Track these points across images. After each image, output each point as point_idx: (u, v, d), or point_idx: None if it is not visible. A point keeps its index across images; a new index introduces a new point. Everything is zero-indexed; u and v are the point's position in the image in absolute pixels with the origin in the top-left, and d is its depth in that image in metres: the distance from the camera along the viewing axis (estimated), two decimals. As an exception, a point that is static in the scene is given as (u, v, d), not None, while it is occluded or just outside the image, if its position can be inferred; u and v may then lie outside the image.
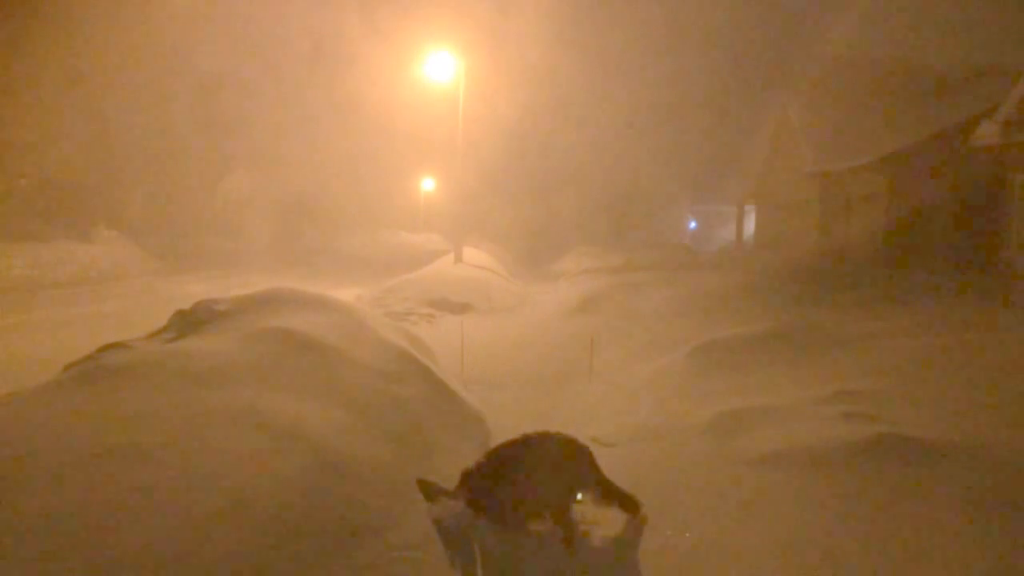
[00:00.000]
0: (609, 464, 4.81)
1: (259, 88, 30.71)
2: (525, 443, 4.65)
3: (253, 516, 3.41)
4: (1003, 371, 6.74)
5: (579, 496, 4.61)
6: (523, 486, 4.42)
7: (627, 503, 4.65)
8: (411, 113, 29.93)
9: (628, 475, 4.88)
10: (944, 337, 8.29)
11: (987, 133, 13.89)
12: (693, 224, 46.98)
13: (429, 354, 7.60)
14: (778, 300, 12.66)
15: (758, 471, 4.79)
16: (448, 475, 5.16)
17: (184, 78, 28.40)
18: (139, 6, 26.84)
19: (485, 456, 4.65)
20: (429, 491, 4.71)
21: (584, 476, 4.65)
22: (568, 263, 23.11)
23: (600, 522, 4.59)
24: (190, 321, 6.23)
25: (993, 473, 4.17)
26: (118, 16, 25.75)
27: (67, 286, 18.78)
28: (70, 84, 25.25)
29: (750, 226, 31.20)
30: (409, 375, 6.33)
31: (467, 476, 4.48)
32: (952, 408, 5.76)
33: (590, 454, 4.71)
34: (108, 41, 25.72)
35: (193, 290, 10.11)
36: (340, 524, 3.73)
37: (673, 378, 7.99)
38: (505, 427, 6.79)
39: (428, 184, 40.18)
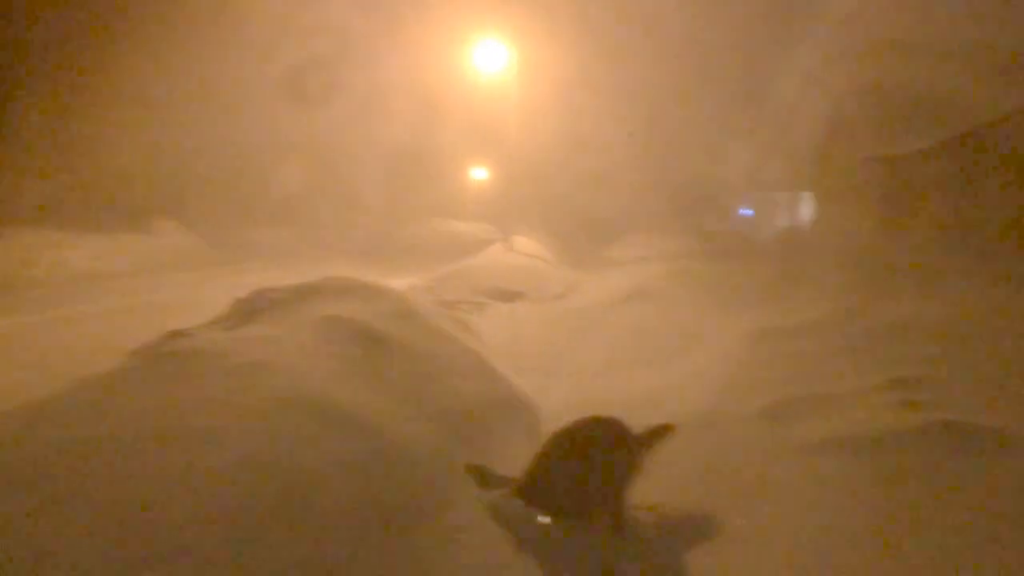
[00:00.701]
0: (664, 450, 4.80)
1: (310, 75, 31.03)
2: (577, 430, 4.66)
3: (310, 501, 3.49)
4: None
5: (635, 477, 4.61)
6: (581, 477, 4.43)
7: (659, 433, 4.65)
8: (463, 101, 30.01)
9: (679, 462, 4.88)
10: (1006, 323, 8.08)
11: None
12: (748, 211, 46.27)
13: (480, 342, 7.66)
14: (835, 287, 12.44)
15: (812, 458, 4.75)
16: (499, 460, 5.22)
17: (237, 65, 28.81)
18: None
19: (542, 452, 4.64)
20: (480, 476, 4.77)
21: (633, 456, 4.65)
22: (620, 250, 22.98)
23: (654, 506, 4.60)
24: (248, 309, 6.38)
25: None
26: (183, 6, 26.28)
27: (128, 276, 19.28)
28: (125, 76, 25.79)
29: (806, 213, 30.66)
30: (462, 363, 6.40)
31: (530, 476, 4.49)
32: (1008, 397, 5.62)
33: (631, 432, 4.70)
34: (164, 30, 26.23)
35: (250, 280, 10.38)
36: (394, 508, 3.79)
37: (727, 366, 7.93)
38: (557, 414, 6.82)
39: (480, 172, 40.23)
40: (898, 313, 9.26)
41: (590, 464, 4.44)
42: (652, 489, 4.72)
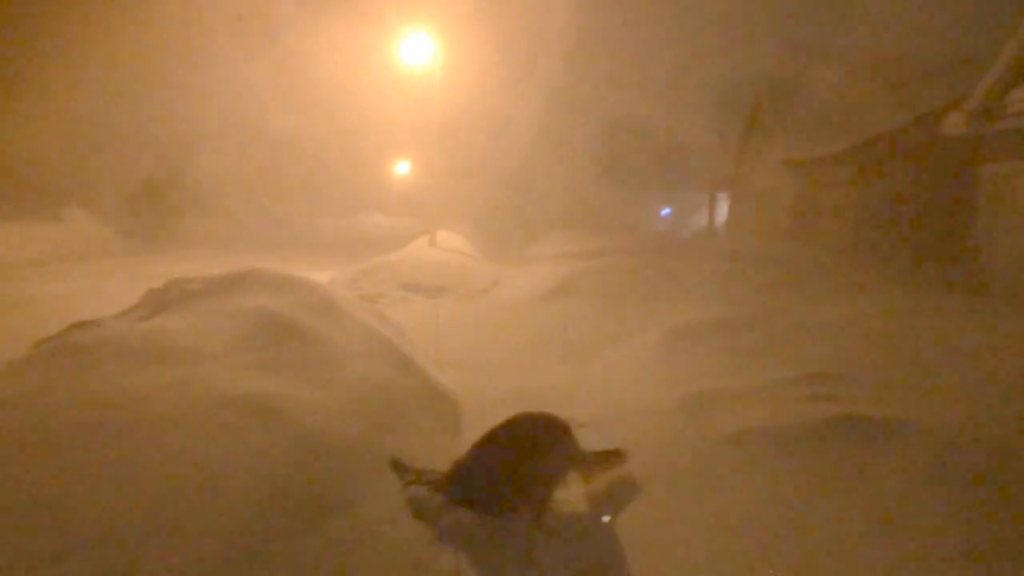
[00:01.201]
0: (584, 443, 4.89)
1: (232, 64, 30.32)
2: (510, 427, 4.67)
3: (226, 492, 3.43)
4: (966, 355, 6.91)
5: (566, 475, 4.67)
6: (512, 473, 4.44)
7: (612, 458, 4.74)
8: (387, 95, 29.79)
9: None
10: (909, 322, 8.46)
11: (956, 123, 14.08)
12: (667, 211, 47.20)
13: (403, 336, 7.62)
14: (748, 286, 12.81)
15: (726, 449, 4.89)
16: (420, 454, 5.21)
17: (155, 53, 27.98)
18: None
19: (475, 449, 4.63)
20: (402, 470, 4.75)
21: (570, 453, 4.70)
22: (543, 247, 23.12)
23: (569, 500, 4.66)
24: (162, 300, 6.20)
25: (957, 450, 4.28)
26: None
27: (36, 265, 18.53)
28: (36, 62, 24.82)
29: (723, 213, 31.44)
30: (382, 356, 6.36)
31: (456, 472, 4.46)
32: (916, 390, 5.91)
33: (569, 430, 4.76)
34: (76, 17, 25.29)
35: (165, 270, 10.07)
36: (313, 499, 3.76)
37: (645, 360, 8.08)
38: (478, 409, 6.84)
39: (403, 167, 39.96)
40: (807, 311, 9.59)
41: (518, 462, 4.46)
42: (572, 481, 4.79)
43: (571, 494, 4.70)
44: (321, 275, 12.93)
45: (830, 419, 4.83)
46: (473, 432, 5.34)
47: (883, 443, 4.45)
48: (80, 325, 5.21)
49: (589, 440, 5.05)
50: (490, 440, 4.58)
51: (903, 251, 16.51)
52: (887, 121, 17.91)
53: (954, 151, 15.13)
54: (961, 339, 7.61)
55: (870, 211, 17.86)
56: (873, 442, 4.48)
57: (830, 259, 16.51)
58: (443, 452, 5.48)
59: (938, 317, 8.87)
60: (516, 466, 4.42)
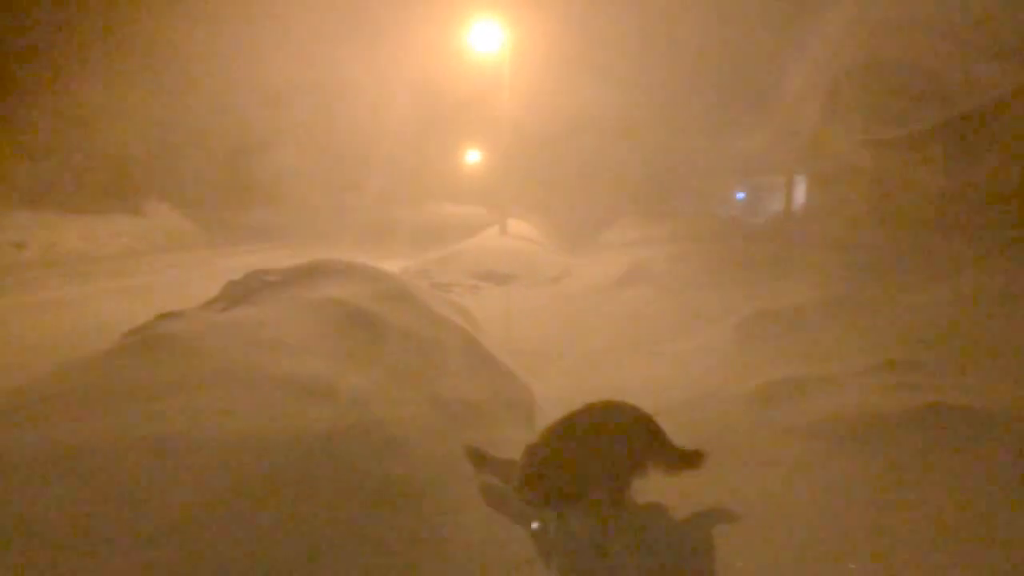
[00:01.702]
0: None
1: (304, 57, 30.88)
2: (588, 414, 4.61)
3: (303, 481, 3.50)
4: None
5: (647, 468, 4.59)
6: (580, 466, 4.40)
7: (693, 459, 4.62)
8: (457, 84, 29.89)
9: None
10: (996, 307, 8.12)
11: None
12: (741, 195, 46.27)
13: (474, 325, 7.65)
14: (826, 271, 12.47)
15: (804, 439, 4.78)
16: (494, 444, 5.22)
17: (225, 53, 28.67)
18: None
19: (547, 433, 4.58)
20: (476, 458, 4.77)
21: (650, 447, 4.62)
22: (613, 234, 22.95)
23: (647, 489, 4.61)
24: (241, 291, 6.35)
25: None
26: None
27: (121, 258, 19.22)
28: (117, 59, 25.66)
29: (800, 196, 30.65)
30: (456, 345, 6.39)
31: (529, 473, 4.42)
32: (1003, 378, 5.65)
33: (654, 422, 4.68)
34: (156, 13, 26.06)
35: (244, 262, 10.33)
36: (388, 488, 3.80)
37: (720, 348, 7.95)
38: (550, 398, 6.83)
39: (473, 156, 40.10)
40: (890, 296, 9.29)
41: (590, 453, 4.41)
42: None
43: (649, 484, 4.64)
44: (393, 264, 13.10)
45: (914, 409, 4.67)
46: (545, 422, 5.32)
47: (970, 435, 4.27)
48: (165, 316, 5.37)
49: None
50: (559, 432, 4.52)
51: (993, 232, 15.83)
52: (977, 96, 17.17)
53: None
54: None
55: (957, 191, 17.17)
56: (959, 433, 4.31)
57: (913, 241, 15.95)
58: (517, 442, 5.49)
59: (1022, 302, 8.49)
60: (587, 456, 4.37)
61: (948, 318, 7.94)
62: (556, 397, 6.71)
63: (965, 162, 17.16)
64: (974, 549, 3.46)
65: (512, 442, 5.41)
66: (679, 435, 5.21)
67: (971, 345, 6.83)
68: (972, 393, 5.08)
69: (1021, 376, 5.76)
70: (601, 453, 4.44)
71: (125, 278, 15.28)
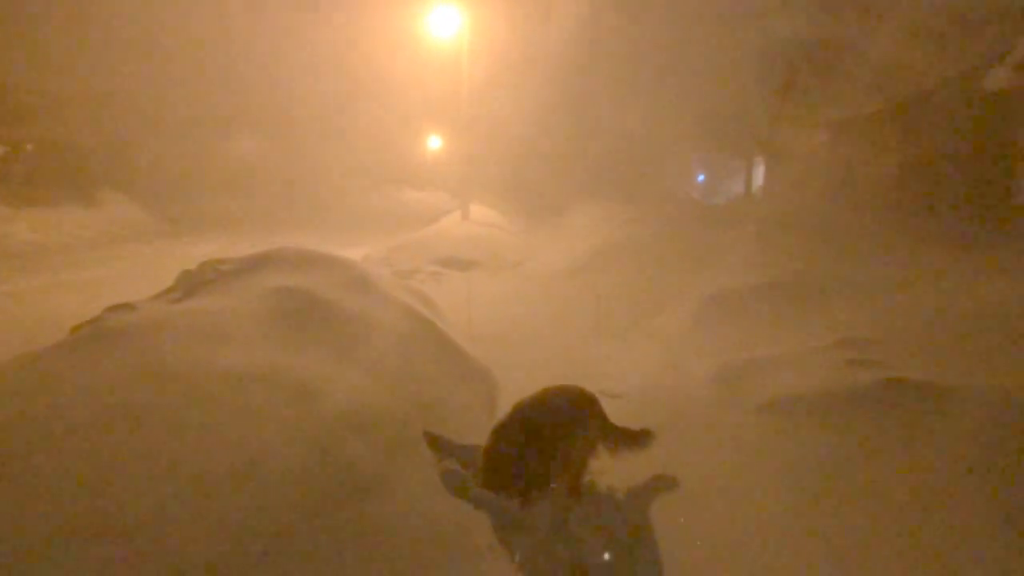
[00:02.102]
0: (616, 415, 4.83)
1: (260, 45, 30.40)
2: (543, 402, 4.61)
3: (262, 471, 3.43)
4: (1009, 317, 6.71)
5: (599, 450, 4.62)
6: (540, 454, 4.39)
7: (640, 438, 4.65)
8: (416, 69, 29.64)
9: (637, 422, 4.90)
10: (951, 284, 8.25)
11: (999, 78, 13.63)
12: (701, 177, 46.59)
13: (436, 311, 7.60)
14: (786, 251, 12.59)
15: (763, 417, 4.82)
16: (456, 430, 5.19)
17: (180, 36, 28.12)
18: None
19: (505, 424, 4.56)
20: (437, 444, 4.73)
21: (602, 429, 4.65)
22: (576, 218, 22.98)
23: (606, 471, 4.62)
24: (196, 281, 6.23)
25: (1000, 416, 4.14)
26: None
27: (73, 250, 18.81)
28: (72, 47, 25.07)
29: (759, 177, 30.92)
30: (416, 332, 6.34)
31: (487, 462, 4.40)
32: (957, 354, 5.75)
33: (596, 401, 4.71)
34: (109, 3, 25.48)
35: (199, 251, 10.11)
36: (349, 476, 3.75)
37: (680, 331, 7.99)
38: (513, 382, 6.81)
39: (434, 142, 39.84)
40: (847, 275, 9.40)
41: (548, 439, 4.41)
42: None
43: (607, 466, 4.65)
44: (354, 252, 12.96)
45: (869, 385, 4.72)
46: (509, 406, 5.30)
47: (925, 409, 4.32)
48: (115, 308, 5.23)
49: (624, 412, 4.99)
50: (515, 421, 4.50)
51: (946, 211, 16.10)
52: (929, 78, 17.41)
53: (998, 107, 14.68)
54: (1005, 301, 7.40)
55: (911, 171, 17.43)
56: (916, 409, 4.36)
57: (870, 221, 16.17)
58: (479, 427, 5.46)
59: (981, 278, 8.64)
60: (544, 446, 4.36)
61: (905, 296, 8.05)
62: (518, 382, 6.69)
63: (915, 144, 17.43)
64: (928, 517, 3.51)
65: (474, 428, 5.39)
66: (640, 416, 5.23)
67: (927, 322, 6.93)
68: (928, 369, 5.15)
69: (976, 352, 5.86)
70: (558, 438, 4.44)
71: (78, 270, 14.96)
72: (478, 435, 5.21)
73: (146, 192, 27.41)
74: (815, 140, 22.51)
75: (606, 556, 4.00)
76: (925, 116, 17.15)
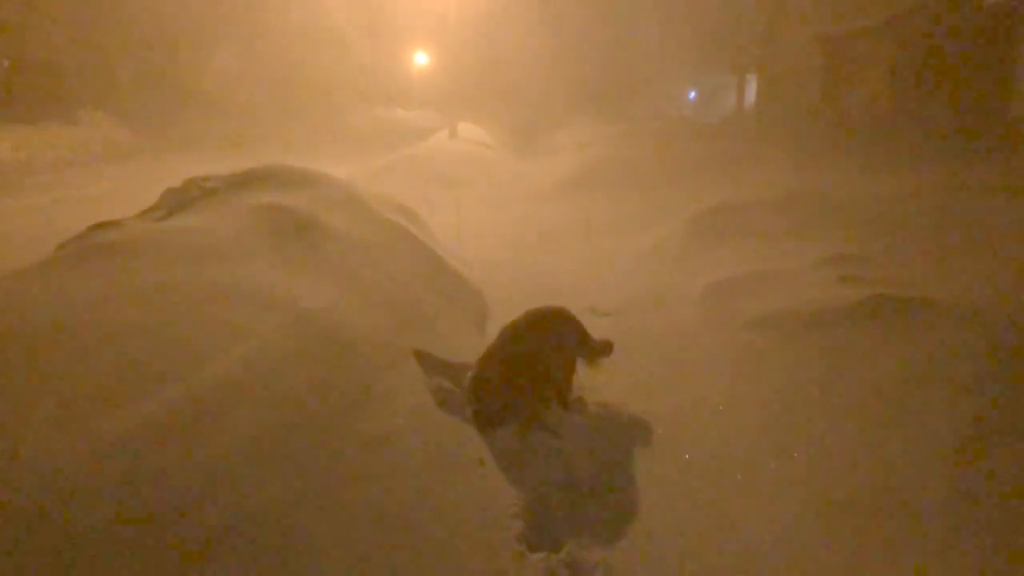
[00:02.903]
0: (606, 332, 4.86)
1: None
2: (527, 326, 4.64)
3: (254, 390, 3.43)
4: (1000, 232, 6.72)
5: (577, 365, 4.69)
6: (536, 379, 4.45)
7: (607, 348, 4.75)
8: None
9: (622, 342, 4.93)
10: (940, 200, 8.24)
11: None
12: (692, 94, 45.92)
13: (426, 230, 7.55)
14: (776, 168, 12.53)
15: (752, 333, 4.85)
16: (446, 348, 5.21)
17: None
18: None
19: (491, 353, 4.60)
20: (426, 362, 4.76)
21: (582, 346, 4.70)
22: (566, 135, 22.70)
23: (596, 388, 4.67)
24: (181, 199, 6.14)
25: (986, 328, 4.17)
26: None
27: (57, 168, 18.51)
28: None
29: (752, 95, 30.51)
30: (405, 250, 6.31)
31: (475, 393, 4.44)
32: (947, 270, 5.77)
33: (578, 321, 4.75)
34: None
35: (184, 169, 9.93)
36: (338, 393, 3.76)
37: (671, 246, 7.98)
38: (502, 300, 6.82)
39: (422, 59, 38.97)
40: (838, 192, 9.37)
41: (535, 371, 4.46)
42: (602, 368, 4.80)
43: (597, 387, 4.70)
44: (342, 170, 12.80)
45: (858, 301, 4.74)
46: (496, 325, 5.32)
47: (915, 323, 4.35)
48: (101, 226, 5.17)
49: (614, 330, 5.02)
50: (502, 354, 4.54)
51: (940, 126, 15.96)
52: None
53: (995, 20, 14.42)
54: (996, 217, 7.40)
55: (906, 86, 17.21)
56: (904, 322, 4.39)
57: (863, 138, 16.05)
58: (469, 345, 5.49)
59: (971, 194, 8.62)
60: (533, 374, 4.41)
61: (896, 212, 8.04)
62: (507, 300, 6.70)
63: (909, 59, 17.15)
64: (908, 422, 3.57)
65: (464, 346, 5.42)
66: (630, 334, 5.26)
67: (917, 238, 6.94)
68: (916, 285, 5.16)
69: (964, 266, 5.88)
70: (545, 362, 4.49)
71: (62, 188, 14.76)
72: (468, 353, 5.24)
73: (129, 110, 26.84)
74: (808, 56, 22.12)
75: (594, 473, 4.08)
76: (920, 31, 16.83)
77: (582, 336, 4.70)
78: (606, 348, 4.79)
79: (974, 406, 3.56)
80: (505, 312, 6.13)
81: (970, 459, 3.25)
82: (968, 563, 2.78)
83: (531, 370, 4.41)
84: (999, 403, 3.52)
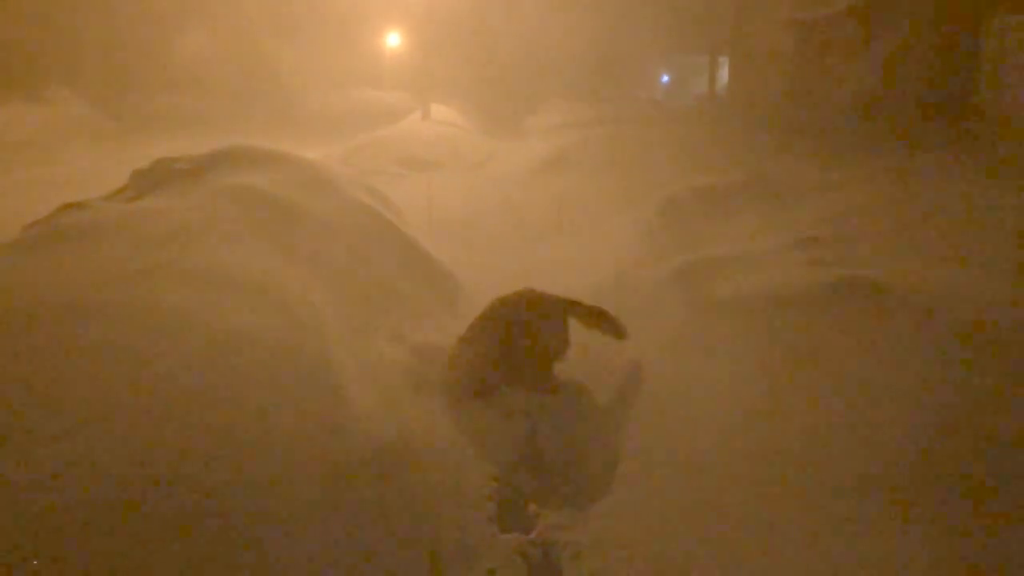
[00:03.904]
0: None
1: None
2: (509, 306, 4.71)
3: (220, 371, 3.44)
4: (966, 217, 6.84)
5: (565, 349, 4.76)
6: (513, 354, 4.52)
7: (610, 323, 4.81)
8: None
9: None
10: (910, 184, 8.36)
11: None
12: (665, 78, 45.97)
13: (398, 212, 7.54)
14: (748, 150, 12.61)
15: (721, 315, 4.91)
16: (418, 329, 5.25)
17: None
18: None
19: (471, 331, 4.67)
20: (398, 343, 4.79)
21: (565, 333, 4.78)
22: (538, 119, 22.64)
23: (573, 370, 4.73)
24: (149, 180, 6.08)
25: (950, 312, 4.26)
26: None
27: (23, 149, 18.15)
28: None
29: (724, 78, 30.59)
30: (376, 233, 6.30)
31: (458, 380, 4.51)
32: (910, 253, 5.87)
33: (554, 303, 4.80)
34: None
35: (152, 150, 9.76)
36: (313, 378, 3.77)
37: (641, 230, 8.04)
38: (474, 283, 6.85)
39: (394, 39, 38.58)
40: (808, 175, 9.48)
41: (516, 343, 4.52)
42: (572, 353, 4.86)
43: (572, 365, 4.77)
44: (313, 152, 12.70)
45: (826, 283, 4.81)
46: (470, 307, 5.36)
47: (881, 306, 4.43)
48: (68, 207, 5.12)
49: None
50: (482, 332, 4.62)
51: (908, 111, 16.13)
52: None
53: (961, 5, 14.59)
54: (958, 201, 7.53)
55: (875, 70, 17.36)
56: (870, 305, 4.47)
57: (833, 122, 16.19)
58: (441, 327, 5.52)
59: (938, 179, 8.75)
60: (515, 348, 4.49)
61: (865, 196, 8.15)
62: (479, 283, 6.74)
63: (881, 43, 17.31)
64: (877, 400, 3.65)
65: (436, 328, 5.45)
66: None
67: (885, 222, 7.04)
68: (883, 268, 5.25)
69: (931, 251, 5.98)
70: (526, 341, 4.55)
71: (28, 168, 14.52)
72: (440, 334, 5.28)
73: (96, 89, 26.38)
74: (780, 41, 22.24)
75: (565, 453, 4.14)
76: (889, 17, 16.99)
77: (565, 312, 4.77)
78: (613, 325, 4.86)
79: (942, 389, 3.65)
80: (478, 294, 6.16)
81: (940, 441, 3.33)
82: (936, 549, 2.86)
83: (520, 345, 4.49)
84: (968, 385, 3.61)
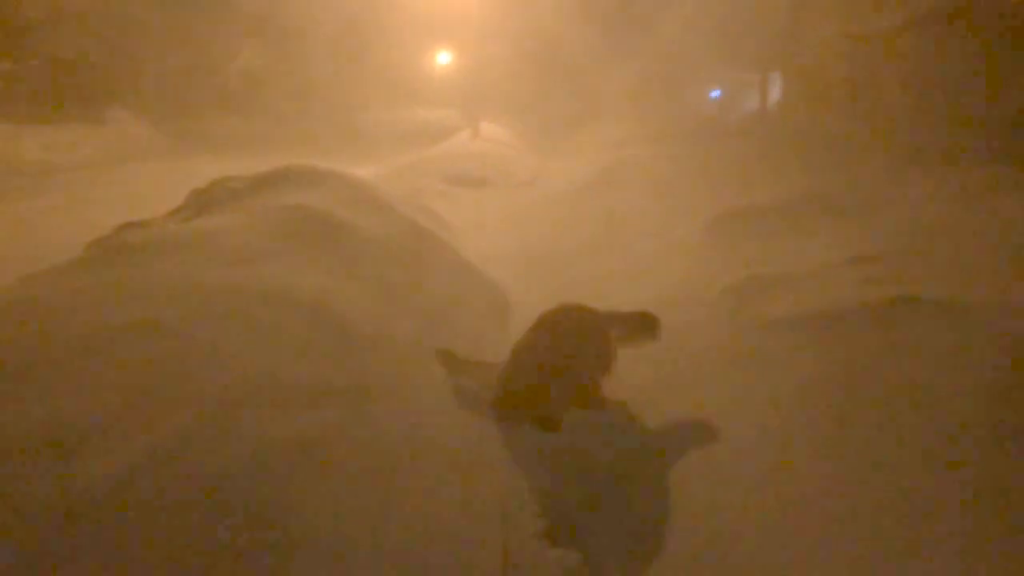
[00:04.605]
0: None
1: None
2: (546, 330, 4.66)
3: (272, 388, 3.48)
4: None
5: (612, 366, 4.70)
6: (552, 382, 4.47)
7: (647, 322, 4.75)
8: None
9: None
10: (970, 201, 8.15)
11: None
12: (716, 92, 45.66)
13: (447, 229, 7.60)
14: (800, 168, 12.45)
15: (772, 334, 4.83)
16: (468, 347, 5.24)
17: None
18: None
19: (512, 363, 4.63)
20: (450, 361, 4.79)
21: (608, 344, 4.71)
22: (587, 136, 22.68)
23: (615, 386, 4.68)
24: (206, 200, 6.23)
25: (1014, 332, 4.13)
26: None
27: (82, 168, 18.73)
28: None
29: (776, 93, 30.28)
30: (426, 250, 6.36)
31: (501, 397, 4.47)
32: (973, 273, 5.71)
33: (601, 318, 4.75)
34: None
35: (210, 169, 10.00)
36: (360, 391, 3.80)
37: (692, 248, 7.97)
38: (524, 300, 6.85)
39: (444, 58, 38.99)
40: (861, 192, 9.30)
41: (561, 364, 4.47)
42: (621, 369, 4.80)
43: (616, 386, 4.72)
44: (363, 170, 12.88)
45: (881, 302, 4.70)
46: (520, 324, 5.34)
47: (938, 326, 4.31)
48: (128, 226, 5.26)
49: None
50: (528, 349, 4.56)
51: (970, 127, 15.76)
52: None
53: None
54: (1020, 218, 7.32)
55: (936, 84, 17.01)
56: (926, 326, 4.35)
57: (890, 137, 15.89)
58: (492, 345, 5.52)
59: (1001, 196, 8.52)
60: (558, 368, 4.43)
61: (919, 213, 7.98)
62: (529, 300, 6.73)
63: (937, 59, 16.96)
64: (928, 432, 3.54)
65: (486, 346, 5.45)
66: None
67: (942, 239, 6.88)
68: (940, 287, 5.12)
69: (992, 269, 5.82)
70: (575, 359, 4.50)
71: (88, 189, 14.95)
72: (490, 351, 5.27)
73: (154, 109, 27.12)
74: (833, 54, 21.94)
75: (614, 471, 4.09)
76: (951, 29, 16.63)
77: (606, 333, 4.70)
78: (643, 321, 4.78)
79: (998, 411, 3.53)
80: (527, 311, 6.15)
81: (993, 464, 3.23)
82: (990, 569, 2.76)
83: (568, 364, 4.45)
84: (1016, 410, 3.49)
